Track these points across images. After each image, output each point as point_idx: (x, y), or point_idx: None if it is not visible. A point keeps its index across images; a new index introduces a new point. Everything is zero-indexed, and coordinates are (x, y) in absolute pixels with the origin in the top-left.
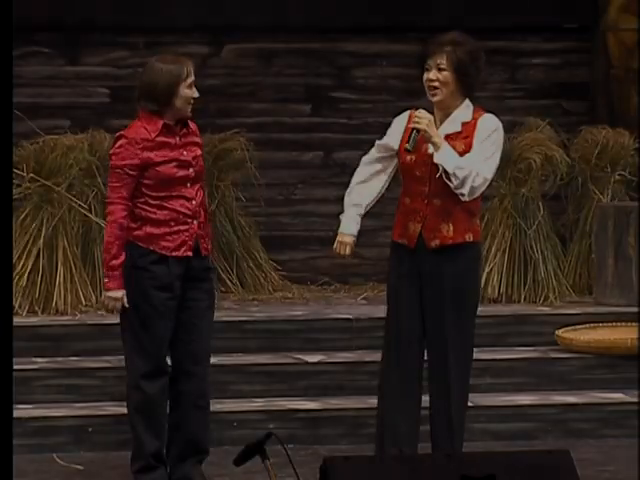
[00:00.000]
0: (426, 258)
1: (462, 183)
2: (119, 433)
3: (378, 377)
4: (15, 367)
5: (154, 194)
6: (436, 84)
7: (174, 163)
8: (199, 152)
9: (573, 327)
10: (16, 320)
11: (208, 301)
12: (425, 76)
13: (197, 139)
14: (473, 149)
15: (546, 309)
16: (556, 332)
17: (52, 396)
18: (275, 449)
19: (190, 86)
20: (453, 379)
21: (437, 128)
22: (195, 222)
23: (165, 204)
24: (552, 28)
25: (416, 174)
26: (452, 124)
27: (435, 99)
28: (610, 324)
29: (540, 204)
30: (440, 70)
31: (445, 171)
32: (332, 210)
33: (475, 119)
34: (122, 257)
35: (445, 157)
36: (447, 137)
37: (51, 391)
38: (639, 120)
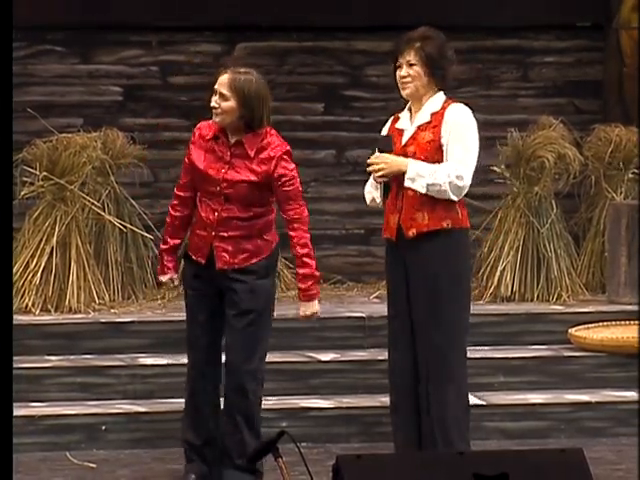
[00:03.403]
0: (407, 248)
1: (442, 194)
2: (132, 431)
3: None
4: (28, 365)
5: (197, 194)
6: (408, 79)
7: (207, 173)
8: (247, 179)
9: (586, 325)
10: (29, 318)
11: (236, 312)
12: (397, 73)
13: (261, 167)
14: (448, 150)
15: (559, 307)
16: (569, 330)
17: (65, 394)
18: (288, 447)
19: (213, 92)
20: (443, 373)
21: (412, 120)
22: (213, 233)
23: (198, 205)
24: (565, 26)
25: None
26: (423, 115)
27: (405, 92)
28: (623, 322)
29: (553, 202)
30: (410, 66)
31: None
32: (345, 208)
33: (444, 108)
34: (170, 243)
35: (414, 181)
36: (418, 128)
37: (64, 389)
38: (639, 118)
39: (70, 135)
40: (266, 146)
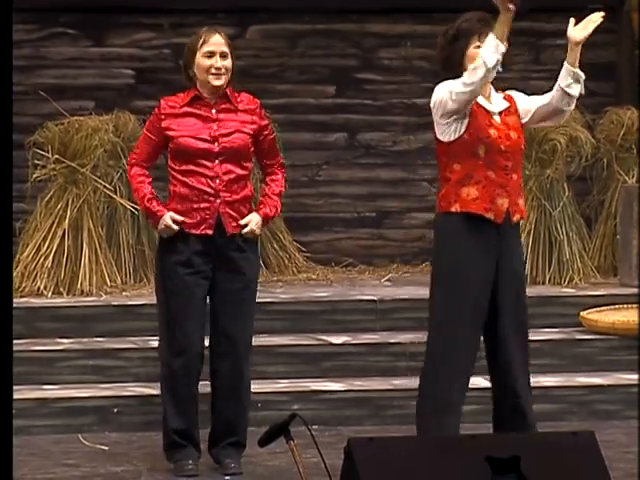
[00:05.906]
0: (507, 232)
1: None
2: (144, 414)
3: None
4: (40, 348)
5: (177, 167)
6: None
7: (197, 135)
8: (239, 130)
9: (598, 308)
10: (41, 301)
11: (241, 283)
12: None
13: (247, 117)
14: (534, 101)
15: (571, 290)
16: (581, 313)
17: (77, 377)
18: (299, 430)
19: (206, 55)
20: (523, 355)
21: (490, 102)
22: (218, 200)
23: (187, 180)
24: (577, 9)
25: (501, 148)
26: (500, 101)
27: None
28: (634, 305)
29: (565, 185)
30: None
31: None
32: (356, 191)
33: (508, 96)
34: (149, 193)
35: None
36: (502, 113)
37: (76, 372)
38: (639, 100)
39: (82, 118)
40: (244, 98)
